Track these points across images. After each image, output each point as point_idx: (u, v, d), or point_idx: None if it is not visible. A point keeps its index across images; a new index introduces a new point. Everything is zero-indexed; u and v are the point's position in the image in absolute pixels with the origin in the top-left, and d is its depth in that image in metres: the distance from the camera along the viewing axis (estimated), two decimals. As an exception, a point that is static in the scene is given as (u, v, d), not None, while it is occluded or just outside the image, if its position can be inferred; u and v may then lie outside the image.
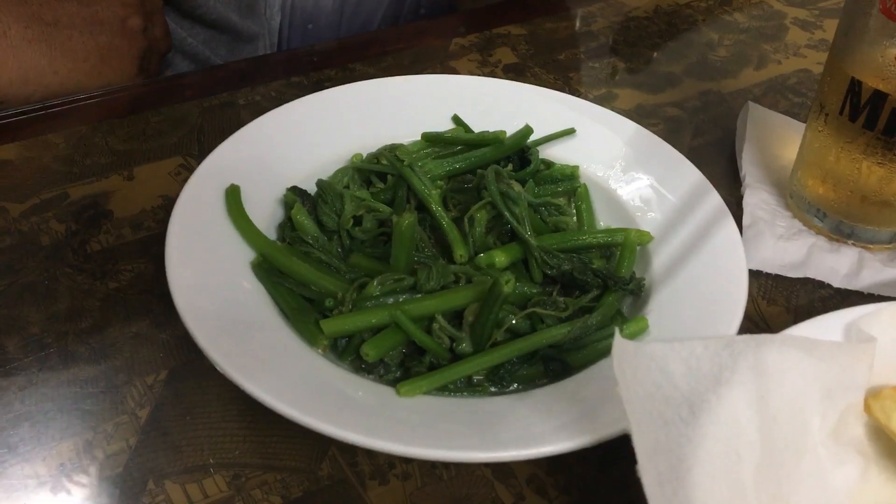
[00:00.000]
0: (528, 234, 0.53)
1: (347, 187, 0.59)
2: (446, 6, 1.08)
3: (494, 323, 0.49)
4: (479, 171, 0.58)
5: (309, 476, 0.47)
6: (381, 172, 0.60)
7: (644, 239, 0.57)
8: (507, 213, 0.54)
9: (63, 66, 0.71)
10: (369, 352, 0.48)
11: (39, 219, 0.62)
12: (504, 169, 0.58)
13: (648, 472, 0.37)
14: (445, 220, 0.55)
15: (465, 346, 0.49)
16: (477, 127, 0.65)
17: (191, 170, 0.66)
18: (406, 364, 0.49)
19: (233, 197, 0.55)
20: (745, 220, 0.63)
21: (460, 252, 0.53)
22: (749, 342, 0.43)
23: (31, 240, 0.60)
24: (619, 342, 0.40)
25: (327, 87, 0.68)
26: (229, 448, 0.48)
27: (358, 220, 0.56)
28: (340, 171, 0.61)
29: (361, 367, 0.49)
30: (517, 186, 0.55)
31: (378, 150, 0.62)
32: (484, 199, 0.55)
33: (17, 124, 0.71)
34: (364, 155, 0.62)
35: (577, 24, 0.91)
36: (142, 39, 0.77)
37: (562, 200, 0.61)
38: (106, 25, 0.74)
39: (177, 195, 0.55)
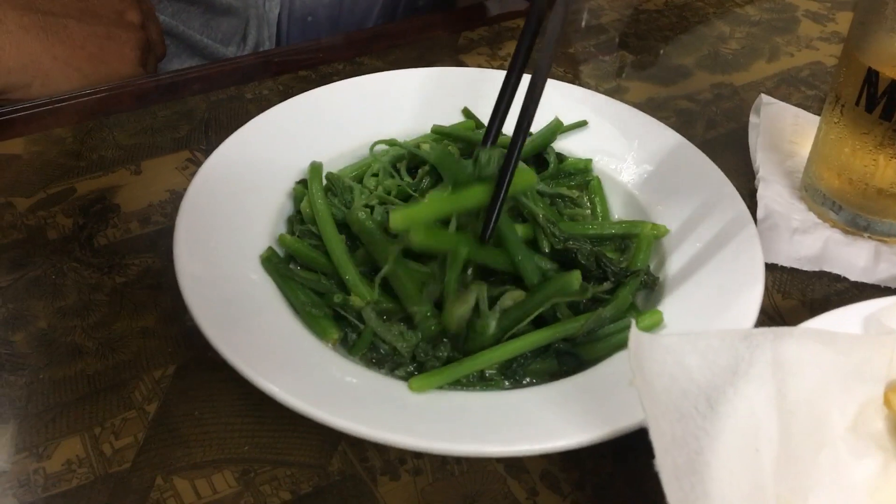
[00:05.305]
0: (536, 207, 0.52)
1: (376, 175, 0.58)
2: None
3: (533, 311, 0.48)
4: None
5: (319, 472, 0.46)
6: (413, 166, 0.59)
7: (660, 232, 0.56)
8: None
9: (61, 52, 0.71)
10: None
11: (46, 213, 0.61)
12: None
13: (666, 465, 0.36)
14: None
15: (489, 327, 0.47)
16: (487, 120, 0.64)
17: (198, 163, 0.66)
18: (419, 358, 0.48)
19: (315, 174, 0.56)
20: (760, 213, 0.62)
21: None
22: (767, 335, 0.43)
23: (38, 234, 0.59)
24: (634, 334, 0.39)
25: (335, 81, 0.67)
26: (238, 443, 0.47)
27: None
28: (371, 158, 0.61)
29: (372, 361, 0.48)
30: (525, 166, 0.54)
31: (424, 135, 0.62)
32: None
33: (24, 119, 0.70)
34: (370, 149, 0.62)
35: (587, 17, 0.90)
36: (141, 32, 0.77)
37: (576, 193, 0.60)
38: (103, 18, 0.74)
39: (184, 189, 0.55)
